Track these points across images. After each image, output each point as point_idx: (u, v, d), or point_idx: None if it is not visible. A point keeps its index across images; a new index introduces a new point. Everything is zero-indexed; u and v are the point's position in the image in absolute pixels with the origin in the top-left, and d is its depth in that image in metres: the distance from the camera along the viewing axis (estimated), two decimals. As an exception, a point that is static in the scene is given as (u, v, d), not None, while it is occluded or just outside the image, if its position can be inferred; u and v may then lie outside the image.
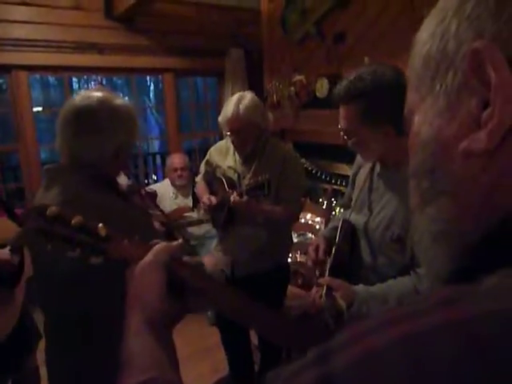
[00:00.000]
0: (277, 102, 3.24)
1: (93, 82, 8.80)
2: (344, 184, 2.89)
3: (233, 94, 3.79)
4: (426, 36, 0.35)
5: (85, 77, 7.85)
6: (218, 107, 4.29)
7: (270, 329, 0.63)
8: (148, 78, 9.10)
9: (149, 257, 0.60)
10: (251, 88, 2.97)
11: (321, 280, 1.29)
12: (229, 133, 1.96)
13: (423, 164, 0.35)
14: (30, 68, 3.25)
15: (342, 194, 2.90)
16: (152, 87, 9.95)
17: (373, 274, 1.35)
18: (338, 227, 1.44)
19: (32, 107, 3.33)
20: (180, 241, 0.64)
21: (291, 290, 2.50)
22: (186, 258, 0.64)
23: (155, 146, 8.16)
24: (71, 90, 9.25)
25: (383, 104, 1.14)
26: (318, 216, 3.12)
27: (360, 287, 1.25)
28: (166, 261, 0.60)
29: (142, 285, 0.58)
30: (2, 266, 1.61)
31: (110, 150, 1.11)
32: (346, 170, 2.89)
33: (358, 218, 1.41)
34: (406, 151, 1.48)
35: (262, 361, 2.27)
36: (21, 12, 3.07)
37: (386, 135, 1.18)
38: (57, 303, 1.10)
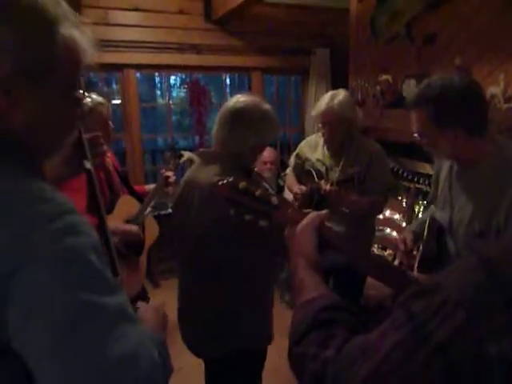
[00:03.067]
0: (361, 100, 3.34)
1: (172, 79, 9.43)
2: (426, 183, 2.93)
3: (316, 91, 3.98)
4: None
5: (163, 74, 8.41)
6: (301, 104, 4.47)
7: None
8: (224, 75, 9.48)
9: (306, 221, 0.80)
10: (334, 86, 3.10)
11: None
12: (320, 125, 2.13)
13: None
14: (138, 67, 3.67)
15: (425, 192, 2.95)
16: (228, 83, 10.34)
17: None
18: (424, 223, 1.57)
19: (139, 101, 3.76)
20: (327, 211, 0.83)
21: (370, 280, 2.61)
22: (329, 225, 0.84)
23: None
24: (154, 85, 9.92)
25: (450, 109, 1.25)
26: (397, 212, 3.20)
27: None
28: (317, 224, 0.80)
29: (303, 240, 0.78)
30: (134, 238, 1.95)
31: (255, 144, 1.39)
32: (428, 169, 2.93)
33: (441, 215, 1.51)
34: (480, 151, 1.59)
35: None
36: (132, 16, 3.49)
37: (455, 137, 1.28)
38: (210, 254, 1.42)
